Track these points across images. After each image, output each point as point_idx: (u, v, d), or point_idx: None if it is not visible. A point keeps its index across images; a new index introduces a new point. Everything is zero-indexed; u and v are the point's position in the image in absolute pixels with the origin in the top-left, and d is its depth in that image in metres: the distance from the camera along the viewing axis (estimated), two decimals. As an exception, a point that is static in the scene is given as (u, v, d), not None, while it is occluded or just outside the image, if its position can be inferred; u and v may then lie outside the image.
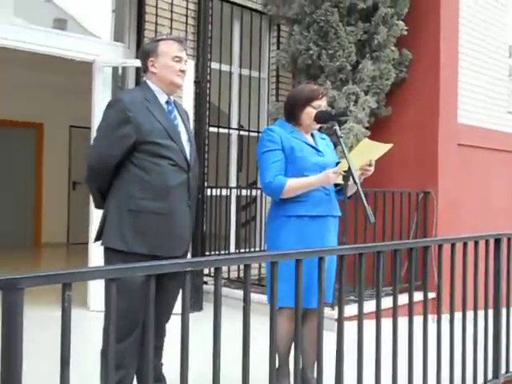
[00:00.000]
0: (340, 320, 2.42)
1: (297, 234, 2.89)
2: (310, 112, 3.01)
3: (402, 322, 2.72)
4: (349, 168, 2.74)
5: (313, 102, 3.01)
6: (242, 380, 2.01)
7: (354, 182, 2.72)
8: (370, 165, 2.92)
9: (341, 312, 2.41)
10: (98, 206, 2.78)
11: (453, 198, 5.79)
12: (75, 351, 1.66)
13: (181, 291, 1.92)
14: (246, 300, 2.01)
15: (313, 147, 3.04)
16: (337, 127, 2.90)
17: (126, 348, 2.60)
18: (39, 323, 4.00)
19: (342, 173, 2.79)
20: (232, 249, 6.04)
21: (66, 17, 6.19)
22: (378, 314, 2.60)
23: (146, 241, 2.59)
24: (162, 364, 2.89)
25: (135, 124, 2.59)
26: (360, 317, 2.50)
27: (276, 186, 2.90)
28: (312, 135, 3.14)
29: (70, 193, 10.18)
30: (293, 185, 2.89)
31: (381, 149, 2.94)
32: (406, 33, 5.51)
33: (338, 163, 2.97)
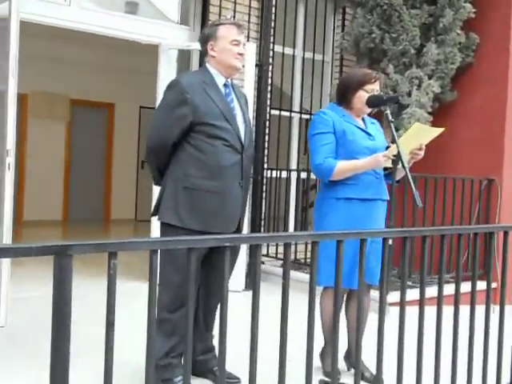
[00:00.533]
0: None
1: (345, 217, 2.93)
2: (361, 96, 3.03)
3: (461, 310, 2.73)
4: (398, 152, 2.75)
5: (365, 86, 3.03)
6: (279, 358, 2.09)
7: (403, 166, 2.73)
8: (420, 149, 2.91)
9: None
10: (156, 183, 2.94)
11: (518, 186, 5.62)
12: (133, 319, 1.78)
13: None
14: (286, 277, 2.08)
15: (364, 131, 3.07)
16: (388, 111, 2.91)
17: (179, 318, 2.74)
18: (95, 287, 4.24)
19: (392, 157, 2.81)
20: (291, 230, 6.11)
21: (136, 0, 6.37)
22: (421, 302, 2.62)
23: (199, 217, 2.72)
24: (212, 336, 3.03)
25: (192, 105, 2.70)
26: (402, 303, 2.52)
27: (326, 168, 2.95)
28: (363, 119, 3.16)
29: (138, 171, 10.52)
30: (343, 167, 2.93)
31: (432, 132, 2.93)
32: (473, 15, 5.36)
33: (387, 147, 2.99)
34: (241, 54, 2.83)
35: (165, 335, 2.80)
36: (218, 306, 2.95)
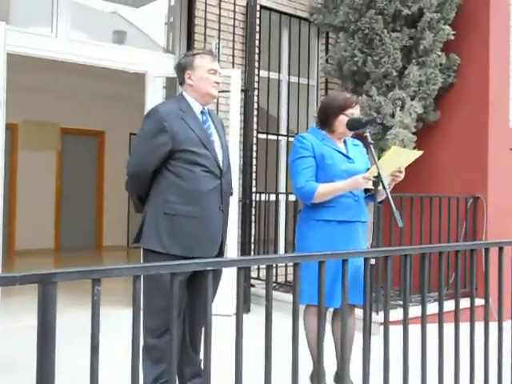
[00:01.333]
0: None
1: (324, 238, 3.00)
2: (343, 120, 3.11)
3: (433, 329, 2.77)
4: (378, 173, 2.81)
5: (346, 111, 3.11)
6: (265, 380, 2.11)
7: (383, 187, 2.79)
8: (400, 171, 2.98)
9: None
10: (137, 211, 2.99)
11: (503, 203, 5.70)
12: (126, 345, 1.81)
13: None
14: (268, 299, 2.12)
15: (343, 154, 3.14)
16: (368, 134, 2.98)
17: (166, 343, 2.76)
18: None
19: (372, 178, 2.87)
20: (281, 253, 6.15)
21: (124, 29, 6.49)
22: (404, 321, 2.66)
23: (180, 242, 2.77)
24: (200, 360, 3.05)
25: (171, 133, 2.77)
26: (386, 323, 2.56)
27: (307, 191, 3.02)
28: (344, 142, 3.23)
29: (129, 198, 10.53)
30: (323, 190, 3.00)
31: (411, 156, 3.00)
32: (452, 37, 5.49)
33: (368, 169, 3.05)
34: (217, 83, 2.92)
35: (153, 361, 2.82)
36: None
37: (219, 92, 5.20)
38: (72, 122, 9.77)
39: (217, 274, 2.89)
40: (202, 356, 3.04)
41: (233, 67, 5.56)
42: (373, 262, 2.58)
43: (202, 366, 2.98)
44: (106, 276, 1.74)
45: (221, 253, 2.91)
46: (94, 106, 9.92)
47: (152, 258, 2.78)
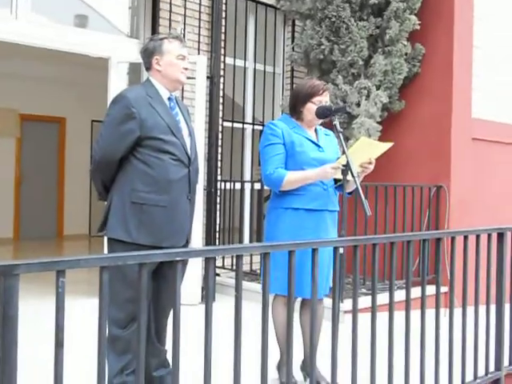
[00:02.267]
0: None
1: (292, 226, 2.99)
2: (311, 108, 3.09)
3: (398, 316, 2.79)
4: (347, 162, 2.80)
5: (313, 98, 3.09)
6: (234, 369, 2.09)
7: (352, 175, 2.78)
8: (369, 162, 2.98)
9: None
10: (101, 199, 2.91)
11: (466, 192, 5.79)
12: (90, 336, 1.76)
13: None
14: (238, 289, 2.09)
15: (313, 142, 3.12)
16: (336, 122, 2.96)
17: (131, 334, 2.71)
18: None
19: (341, 167, 2.85)
20: (246, 242, 6.13)
21: (86, 13, 6.32)
22: (373, 309, 2.66)
23: (147, 232, 2.71)
24: (166, 350, 3.00)
25: (139, 120, 2.70)
26: (355, 311, 2.56)
27: (276, 179, 3.00)
28: (315, 130, 3.21)
29: (91, 186, 10.36)
30: (291, 177, 2.98)
31: (380, 147, 3.00)
32: (418, 27, 5.52)
33: (338, 159, 3.04)
34: (186, 69, 2.84)
35: (118, 352, 2.77)
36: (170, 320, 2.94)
37: (184, 79, 5.12)
38: (32, 109, 9.52)
39: (184, 264, 2.84)
40: (167, 346, 3.01)
41: (198, 54, 5.48)
42: (341, 251, 2.58)
43: (168, 357, 2.97)
44: (71, 267, 1.68)
45: (187, 242, 2.87)
46: (55, 92, 9.68)
47: (118, 248, 2.71)
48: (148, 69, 2.88)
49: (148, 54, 2.85)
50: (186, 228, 2.84)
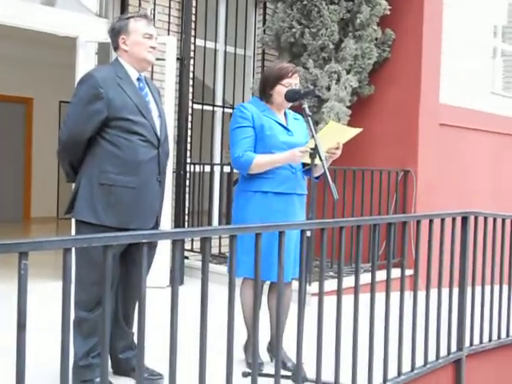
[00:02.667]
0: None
1: (261, 209, 3.00)
2: (280, 90, 3.09)
3: (363, 298, 2.83)
4: (315, 146, 2.81)
5: (282, 81, 3.08)
6: (200, 349, 2.10)
7: (320, 159, 2.79)
8: (337, 148, 2.99)
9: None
10: (69, 180, 2.88)
11: (433, 177, 5.87)
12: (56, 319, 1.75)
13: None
14: (204, 272, 2.09)
15: (283, 126, 3.13)
16: (305, 105, 2.96)
17: (98, 316, 2.70)
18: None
19: (309, 150, 2.86)
20: (215, 225, 6.13)
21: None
22: (338, 291, 2.70)
23: (116, 214, 2.69)
24: (133, 333, 3.00)
25: (107, 100, 2.67)
26: (321, 294, 2.59)
27: (244, 161, 3.00)
28: (285, 114, 3.22)
29: (59, 168, 10.21)
30: (260, 161, 2.99)
31: (349, 133, 3.01)
32: (388, 12, 5.53)
33: (307, 143, 3.04)
34: (153, 48, 2.81)
35: (84, 335, 2.76)
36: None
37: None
38: (-2, 89, 9.30)
39: (152, 247, 2.84)
40: (134, 329, 3.01)
41: (168, 34, 5.42)
42: (309, 234, 2.60)
43: (135, 339, 2.97)
44: (34, 249, 1.66)
45: (156, 224, 2.85)
46: (22, 72, 9.46)
47: (85, 230, 2.69)
48: (116, 49, 2.85)
49: (115, 33, 2.82)
50: (155, 210, 2.82)
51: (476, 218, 3.67)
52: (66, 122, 2.77)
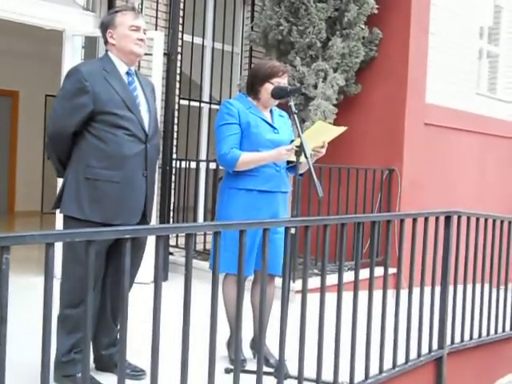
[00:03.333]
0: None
1: (245, 207, 3.00)
2: (268, 88, 3.09)
3: (347, 296, 2.85)
4: (301, 144, 2.82)
5: (272, 79, 3.09)
6: (182, 346, 2.10)
7: (305, 156, 2.80)
8: (322, 146, 3.01)
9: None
10: (59, 175, 2.87)
11: (417, 176, 5.91)
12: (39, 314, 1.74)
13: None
14: (188, 268, 2.10)
15: (269, 124, 3.14)
16: (292, 103, 2.97)
17: (82, 313, 2.69)
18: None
19: (295, 148, 2.87)
20: (200, 221, 6.12)
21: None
22: (322, 289, 2.71)
23: (101, 209, 2.68)
24: (117, 330, 2.99)
25: (92, 94, 2.66)
26: (304, 291, 2.60)
27: (230, 159, 3.00)
28: (270, 112, 3.22)
29: (44, 162, 10.14)
30: (246, 158, 2.99)
31: (334, 131, 3.03)
32: (376, 11, 5.55)
33: (292, 141, 3.06)
34: (141, 40, 2.79)
35: (67, 331, 2.74)
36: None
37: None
38: (-17, 81, 9.22)
39: (140, 244, 2.82)
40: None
41: (156, 29, 5.40)
42: (293, 231, 2.61)
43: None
44: (16, 243, 1.66)
45: (145, 221, 2.83)
46: (8, 65, 9.37)
47: (72, 225, 2.68)
48: (105, 43, 2.85)
49: (103, 28, 2.83)
50: (140, 205, 2.80)
51: (459, 218, 3.70)
52: (51, 115, 2.76)
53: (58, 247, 2.03)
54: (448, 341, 3.72)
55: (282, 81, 3.12)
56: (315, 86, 5.40)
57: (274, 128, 3.15)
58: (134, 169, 2.74)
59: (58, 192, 2.81)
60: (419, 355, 3.44)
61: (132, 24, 2.77)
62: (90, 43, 5.67)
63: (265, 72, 3.11)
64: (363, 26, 5.58)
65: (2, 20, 5.00)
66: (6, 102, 9.85)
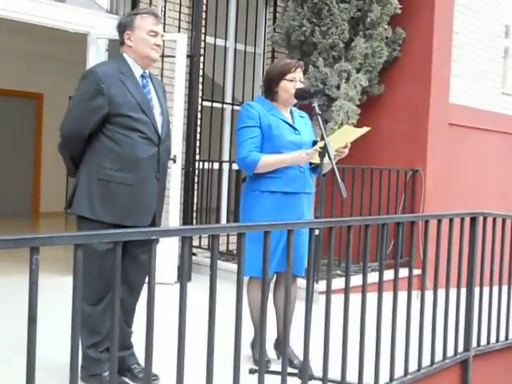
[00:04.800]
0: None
1: (269, 209, 3.00)
2: (285, 86, 3.09)
3: (371, 297, 2.83)
4: (325, 145, 2.81)
5: (286, 76, 3.09)
6: (207, 346, 2.11)
7: (329, 158, 2.79)
8: (345, 147, 3.00)
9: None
10: (71, 175, 2.88)
11: (441, 176, 5.86)
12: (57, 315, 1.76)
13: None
14: (213, 269, 2.10)
15: (290, 125, 3.13)
16: (315, 104, 2.96)
17: (102, 311, 2.72)
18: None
19: (319, 149, 2.86)
20: (223, 222, 6.14)
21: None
22: (346, 290, 2.70)
23: (113, 210, 2.69)
24: (131, 332, 2.99)
25: (108, 96, 2.67)
26: (329, 292, 2.60)
27: (250, 162, 3.00)
28: (291, 112, 3.22)
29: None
30: (266, 161, 2.99)
31: (358, 132, 3.01)
32: (399, 11, 5.52)
33: (314, 142, 3.05)
34: (157, 45, 2.79)
35: (89, 329, 2.74)
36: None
37: (164, 57, 5.06)
38: (9, 84, 9.34)
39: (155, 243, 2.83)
40: (141, 327, 3.01)
41: (179, 31, 5.43)
42: (317, 232, 2.61)
43: (142, 335, 2.97)
44: (45, 244, 1.68)
45: (153, 223, 2.81)
46: (33, 67, 9.51)
47: (84, 226, 2.70)
48: (121, 44, 2.84)
49: (121, 28, 2.82)
50: (152, 207, 2.80)
51: (485, 219, 3.66)
52: (67, 116, 2.77)
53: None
54: (474, 343, 3.68)
55: (297, 75, 3.11)
56: (338, 87, 5.38)
57: (295, 129, 3.14)
58: (146, 171, 2.75)
59: (71, 192, 2.83)
60: (445, 357, 3.41)
61: (151, 29, 2.77)
62: (113, 46, 5.72)
63: (278, 71, 3.11)
64: (386, 26, 5.55)
65: (29, 24, 5.07)
66: (31, 104, 9.98)
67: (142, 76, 2.83)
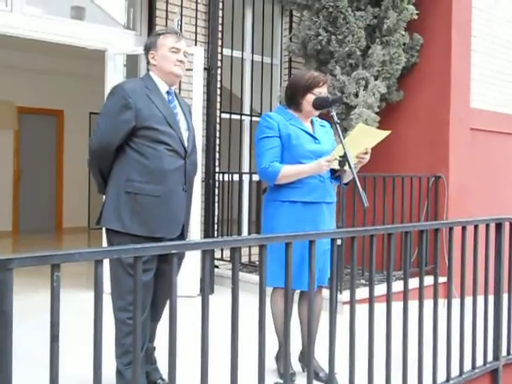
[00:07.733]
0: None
1: (290, 219, 2.98)
2: (310, 99, 3.08)
3: (396, 306, 2.79)
4: (344, 153, 2.79)
5: (314, 90, 3.07)
6: (231, 359, 2.09)
7: (349, 166, 2.76)
8: (365, 153, 2.96)
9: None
10: (100, 191, 2.91)
11: (464, 182, 5.78)
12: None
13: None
14: (234, 281, 2.08)
15: (310, 135, 3.11)
16: (333, 113, 2.94)
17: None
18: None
19: (338, 158, 2.84)
20: (245, 233, 6.12)
21: (82, 4, 6.28)
22: (370, 299, 2.66)
23: (141, 222, 2.71)
24: (154, 348, 2.98)
25: (135, 110, 2.71)
26: (353, 302, 2.56)
27: (271, 172, 2.99)
28: (311, 122, 3.20)
29: (90, 178, 10.34)
30: (287, 171, 2.98)
31: (377, 135, 2.96)
32: (416, 17, 5.47)
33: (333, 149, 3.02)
34: (180, 61, 2.85)
35: (122, 336, 2.73)
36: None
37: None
38: (29, 101, 9.49)
39: (178, 257, 2.83)
40: (164, 340, 3.00)
41: (195, 45, 5.45)
42: (339, 242, 2.57)
43: (165, 347, 2.95)
44: (65, 261, 1.67)
45: (182, 235, 2.85)
46: (53, 84, 9.65)
47: (113, 239, 2.73)
48: (148, 63, 2.94)
49: (146, 49, 2.93)
50: (180, 219, 2.83)
51: (511, 224, 3.59)
52: (96, 131, 2.82)
53: (105, 261, 2.05)
54: (504, 352, 3.59)
55: (323, 90, 3.10)
56: (356, 95, 5.35)
57: (316, 138, 3.12)
58: (174, 183, 2.77)
59: (101, 208, 2.85)
60: (474, 367, 3.33)
61: (173, 46, 2.84)
62: (131, 61, 5.77)
63: (305, 83, 3.09)
64: (403, 33, 5.50)
65: (49, 42, 5.13)
66: (52, 121, 10.11)
67: (168, 92, 2.89)
